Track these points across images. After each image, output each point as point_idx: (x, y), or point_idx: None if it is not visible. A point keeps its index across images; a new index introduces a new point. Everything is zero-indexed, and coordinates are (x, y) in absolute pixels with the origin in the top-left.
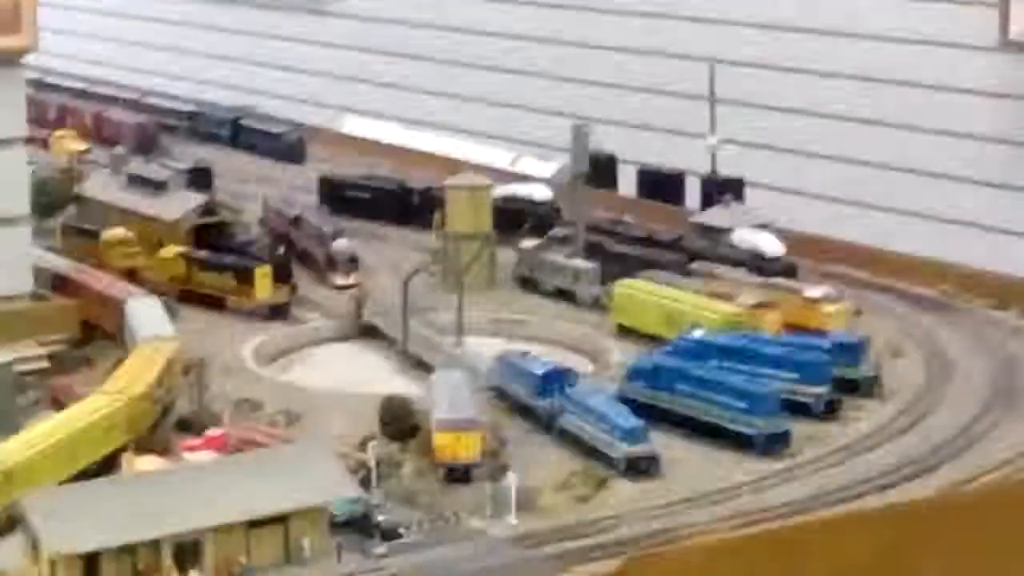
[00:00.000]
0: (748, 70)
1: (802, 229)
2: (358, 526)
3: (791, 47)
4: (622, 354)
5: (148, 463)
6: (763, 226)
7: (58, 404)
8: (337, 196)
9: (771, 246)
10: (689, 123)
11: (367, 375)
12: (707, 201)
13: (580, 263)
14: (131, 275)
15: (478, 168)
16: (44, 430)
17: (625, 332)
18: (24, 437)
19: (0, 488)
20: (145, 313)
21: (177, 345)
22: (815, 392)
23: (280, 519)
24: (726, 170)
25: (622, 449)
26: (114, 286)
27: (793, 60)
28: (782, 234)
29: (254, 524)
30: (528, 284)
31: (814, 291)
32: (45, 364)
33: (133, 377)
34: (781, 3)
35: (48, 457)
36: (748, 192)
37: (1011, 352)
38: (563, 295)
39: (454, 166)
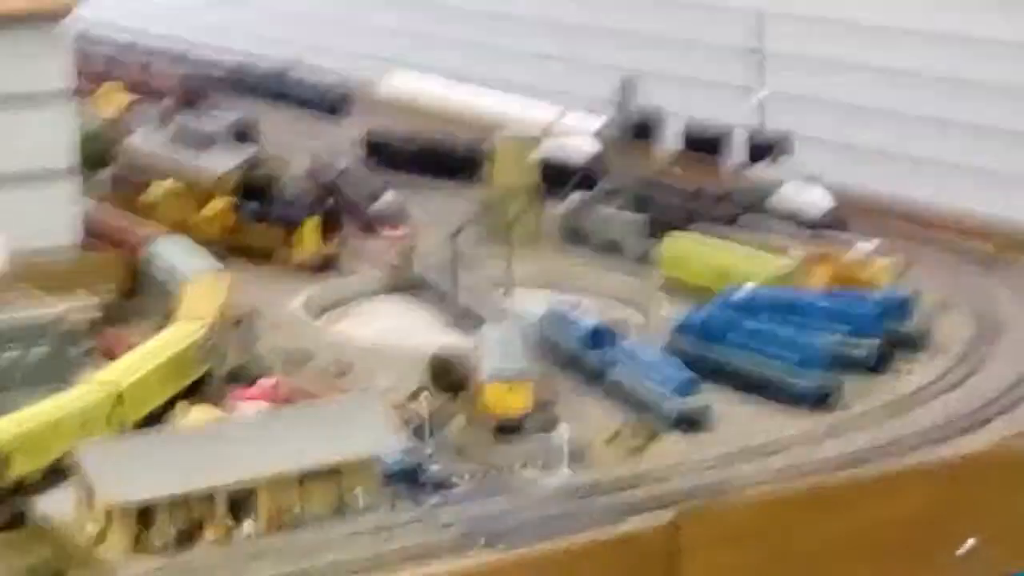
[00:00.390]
0: (794, 24)
1: (851, 184)
2: (410, 478)
3: (836, 4)
4: (671, 308)
5: (201, 414)
6: (811, 180)
7: (109, 355)
8: (383, 151)
9: (820, 200)
10: (736, 77)
11: (416, 328)
12: (754, 156)
13: (629, 215)
14: (179, 228)
15: (523, 123)
16: (145, 353)
17: (673, 285)
18: (127, 362)
19: (114, 410)
20: (179, 251)
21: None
22: (865, 346)
23: (333, 470)
24: (773, 125)
25: (673, 403)
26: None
27: (837, 14)
28: (830, 189)
29: (307, 475)
30: (575, 237)
31: (863, 245)
32: (96, 314)
33: (203, 307)
34: None
35: (154, 379)
36: (796, 147)
37: None
38: (611, 248)
39: (500, 121)
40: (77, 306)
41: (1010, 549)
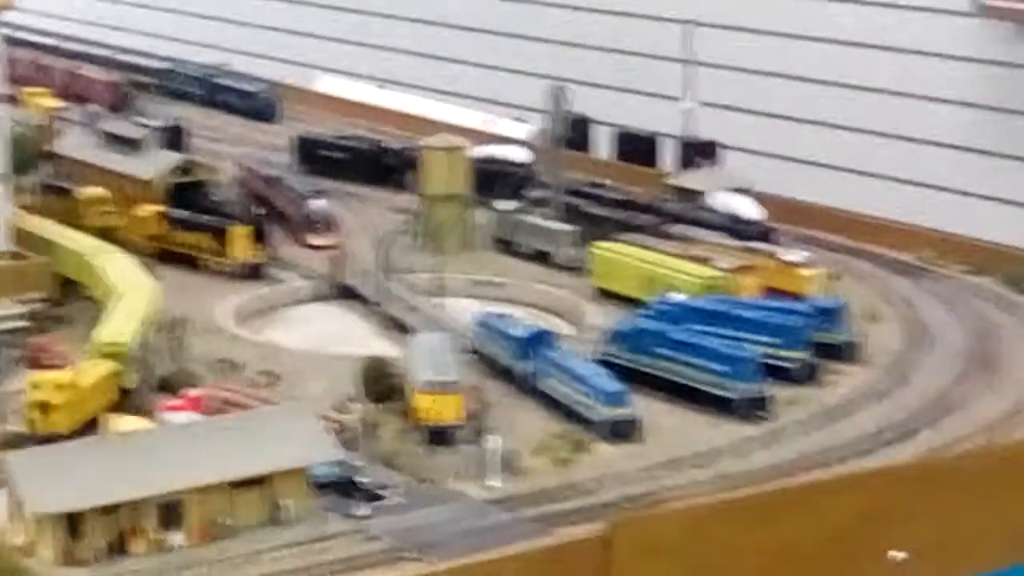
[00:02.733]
0: (724, 33)
1: (780, 193)
2: (341, 488)
3: (767, 11)
4: (601, 317)
5: (129, 424)
6: (741, 190)
7: (36, 363)
8: (313, 156)
9: (749, 210)
10: (665, 86)
11: (346, 336)
12: (685, 164)
13: (558, 225)
14: (107, 234)
15: (454, 129)
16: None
17: (603, 295)
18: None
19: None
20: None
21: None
22: (794, 356)
23: (263, 481)
24: (703, 133)
25: (603, 412)
26: None
27: (769, 24)
28: (760, 198)
29: (237, 485)
30: (505, 246)
31: (792, 255)
32: (24, 323)
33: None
34: None
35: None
36: (725, 155)
37: (987, 318)
38: (541, 257)
39: (430, 126)
40: (5, 314)
41: (937, 558)
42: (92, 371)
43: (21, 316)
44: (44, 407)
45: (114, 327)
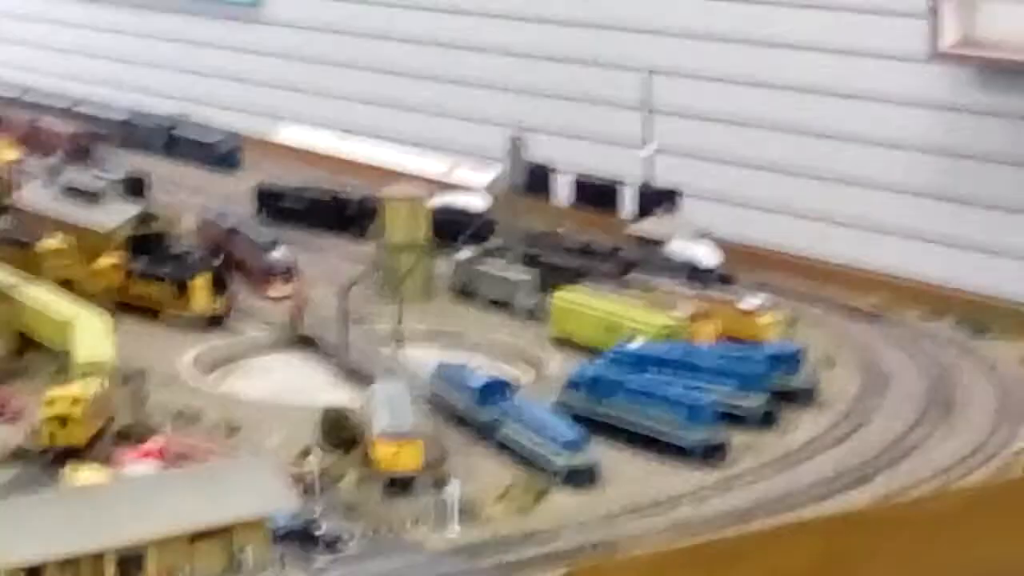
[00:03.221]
0: (683, 80)
1: (738, 239)
2: (300, 537)
3: (724, 58)
4: (560, 364)
5: (89, 476)
6: (700, 236)
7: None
8: (273, 205)
9: (707, 256)
10: (625, 133)
11: (306, 385)
12: (644, 211)
13: (517, 274)
14: (68, 284)
15: (414, 177)
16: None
17: (563, 342)
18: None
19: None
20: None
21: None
22: (752, 402)
23: (223, 530)
24: (662, 180)
25: (562, 460)
26: None
27: (727, 71)
28: (718, 244)
29: (196, 536)
30: (465, 294)
31: (750, 301)
32: None
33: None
34: (715, 15)
35: None
36: (684, 202)
37: (945, 362)
38: (501, 304)
39: (390, 175)
40: None
41: None
42: (90, 386)
43: None
44: (63, 421)
45: (88, 347)
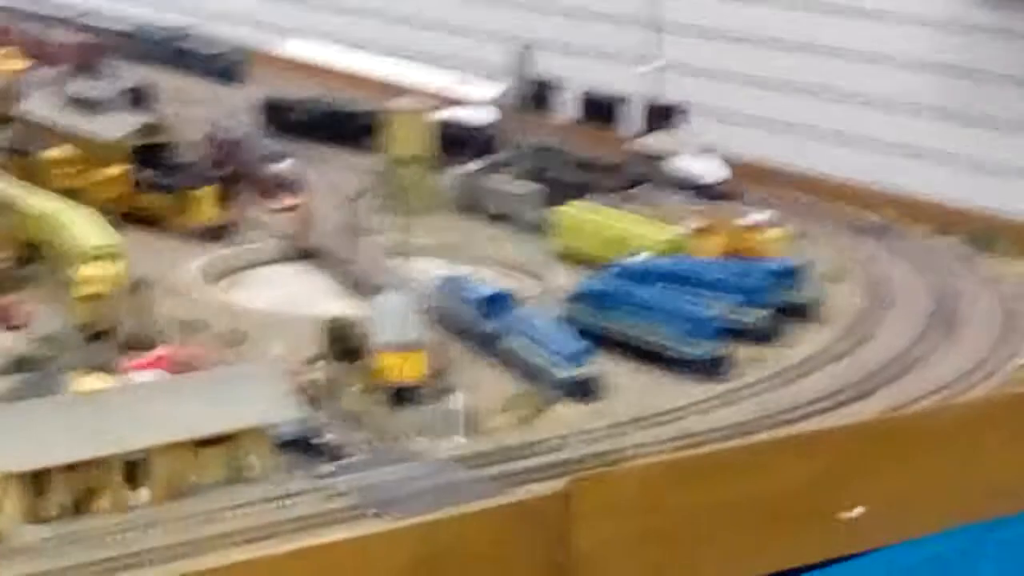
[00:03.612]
0: None
1: (745, 155)
2: (304, 446)
3: None
4: (564, 278)
5: (94, 382)
6: (706, 152)
7: (6, 319)
8: (280, 118)
9: (713, 171)
10: (632, 49)
11: (310, 297)
12: (651, 125)
13: (523, 185)
14: (73, 193)
15: (420, 92)
16: None
17: (567, 256)
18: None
19: None
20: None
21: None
22: (755, 317)
23: (227, 438)
24: (669, 97)
25: (566, 371)
26: None
27: None
28: (724, 160)
29: (201, 443)
30: (471, 206)
31: (756, 216)
32: None
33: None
34: None
35: None
36: (692, 118)
37: (950, 278)
38: (506, 218)
39: (396, 89)
40: None
41: (895, 516)
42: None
43: None
44: (98, 298)
45: (93, 232)
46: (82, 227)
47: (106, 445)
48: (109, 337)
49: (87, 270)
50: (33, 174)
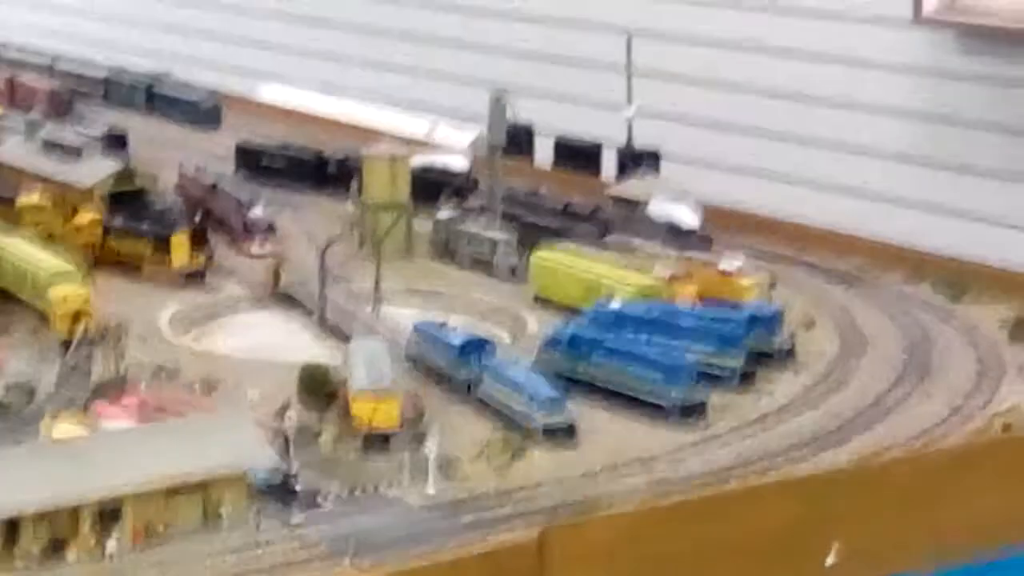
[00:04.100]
0: (663, 43)
1: (718, 202)
2: (277, 493)
3: (706, 20)
4: (539, 324)
5: (66, 430)
6: (680, 197)
7: None
8: (253, 164)
9: (687, 218)
10: (605, 95)
11: (284, 343)
12: (623, 172)
13: (497, 234)
14: (48, 239)
15: (395, 137)
16: None
17: (543, 302)
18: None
19: None
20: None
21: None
22: (731, 363)
23: (200, 485)
24: (642, 142)
25: (539, 418)
26: None
27: (708, 33)
28: (698, 206)
29: (173, 490)
30: (446, 253)
31: (730, 263)
32: None
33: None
34: None
35: None
36: (664, 164)
37: (924, 325)
38: (481, 264)
39: (371, 134)
40: None
41: (867, 559)
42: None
43: None
44: (77, 316)
45: (51, 261)
46: (47, 258)
47: (78, 492)
48: (85, 365)
49: (59, 290)
50: (8, 219)
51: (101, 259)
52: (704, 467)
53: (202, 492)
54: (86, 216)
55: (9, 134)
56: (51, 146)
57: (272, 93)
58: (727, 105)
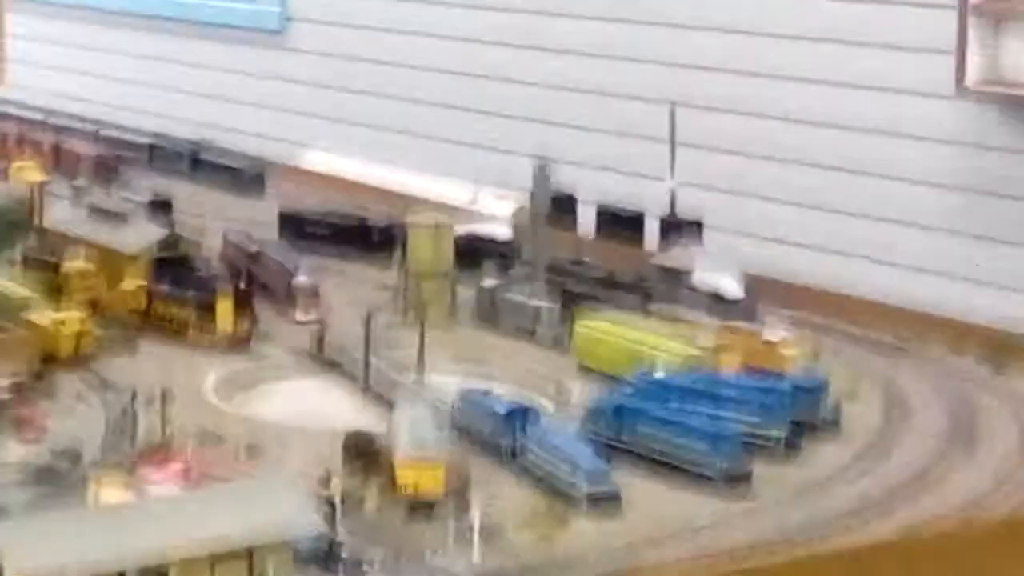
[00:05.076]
0: (706, 112)
1: (761, 271)
2: (321, 560)
3: (750, 91)
4: (583, 392)
5: (112, 495)
6: (723, 267)
7: (20, 433)
8: (297, 230)
9: (731, 287)
10: (648, 164)
11: (328, 409)
12: (667, 241)
13: (540, 302)
14: (92, 305)
15: (439, 204)
16: None
17: (586, 370)
18: None
19: None
20: None
21: None
22: (775, 432)
23: (245, 552)
24: (685, 211)
25: (584, 487)
26: None
27: (749, 104)
28: (741, 275)
29: (218, 556)
30: (489, 322)
31: (773, 332)
32: (6, 396)
33: None
34: (741, 48)
35: None
36: (707, 234)
37: (967, 396)
38: (524, 333)
39: (415, 201)
40: None
41: None
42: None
43: (4, 388)
44: (82, 335)
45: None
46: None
47: (124, 557)
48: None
49: (57, 315)
50: (54, 285)
51: (146, 324)
52: (750, 538)
53: (247, 558)
54: (132, 282)
55: (55, 200)
56: (97, 212)
57: (315, 160)
58: (769, 175)
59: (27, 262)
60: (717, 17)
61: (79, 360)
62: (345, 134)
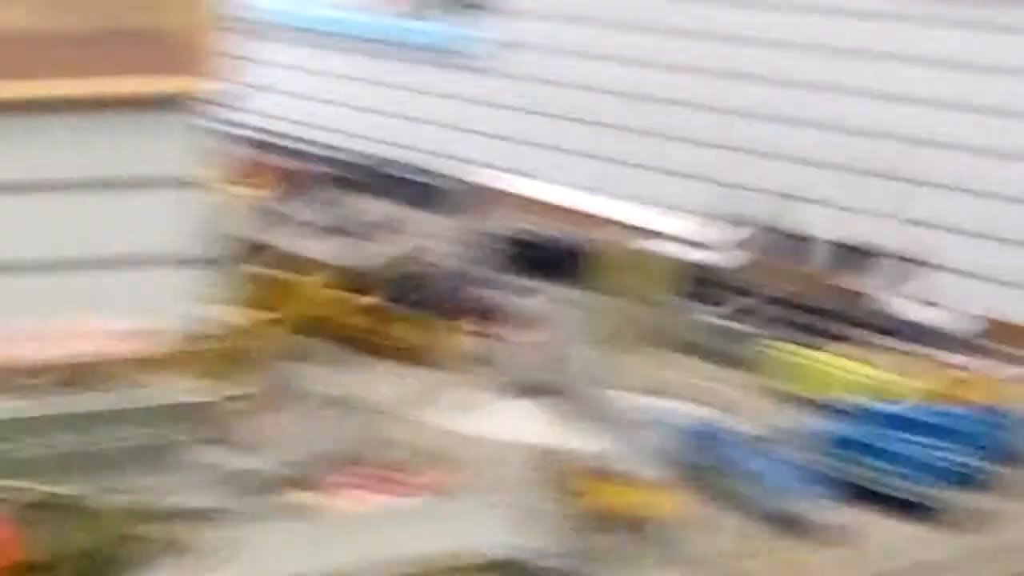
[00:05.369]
0: (940, 151)
1: (988, 312)
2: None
3: (985, 129)
4: (800, 423)
5: (331, 506)
6: (951, 307)
7: (251, 444)
8: (525, 254)
9: (959, 325)
10: (879, 201)
11: (539, 429)
12: (894, 279)
13: (761, 333)
14: (325, 322)
15: (659, 233)
16: None
17: (802, 400)
18: None
19: None
20: None
21: None
22: (1004, 470)
23: (448, 570)
24: (913, 250)
25: (809, 516)
26: None
27: (982, 142)
28: (972, 317)
29: (427, 571)
30: (704, 351)
31: (1005, 370)
32: (244, 403)
33: None
34: (976, 85)
35: None
36: (935, 273)
37: None
38: (739, 362)
39: (631, 230)
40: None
41: None
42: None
43: (245, 396)
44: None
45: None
46: None
47: (330, 569)
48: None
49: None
50: (285, 302)
51: (375, 343)
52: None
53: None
54: (364, 300)
55: (284, 220)
56: (329, 230)
57: (530, 186)
58: (999, 216)
59: (254, 279)
60: (956, 54)
61: (304, 373)
62: (558, 161)
